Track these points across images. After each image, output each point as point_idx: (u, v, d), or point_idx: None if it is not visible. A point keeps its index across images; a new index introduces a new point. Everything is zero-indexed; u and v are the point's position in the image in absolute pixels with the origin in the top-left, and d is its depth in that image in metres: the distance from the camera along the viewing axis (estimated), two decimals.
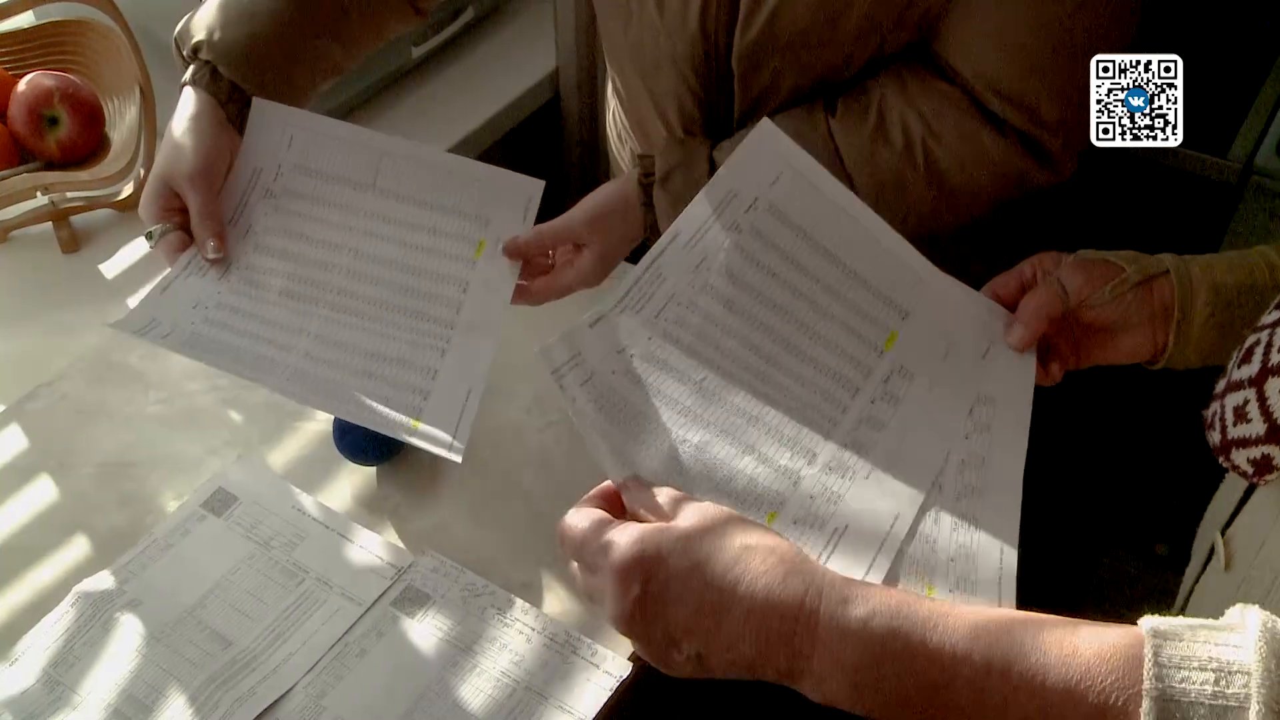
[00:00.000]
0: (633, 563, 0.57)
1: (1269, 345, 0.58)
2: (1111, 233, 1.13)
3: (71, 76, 1.19)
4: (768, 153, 0.78)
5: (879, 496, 0.70)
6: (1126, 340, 0.76)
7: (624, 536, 0.58)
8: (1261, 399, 0.57)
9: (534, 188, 0.89)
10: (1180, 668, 0.48)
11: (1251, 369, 0.58)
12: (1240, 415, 0.59)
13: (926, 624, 0.53)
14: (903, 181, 0.90)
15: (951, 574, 0.67)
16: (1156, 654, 0.48)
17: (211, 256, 0.85)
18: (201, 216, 0.85)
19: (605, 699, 0.77)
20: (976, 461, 0.73)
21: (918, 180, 0.90)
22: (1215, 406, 0.61)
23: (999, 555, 0.69)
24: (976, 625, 0.53)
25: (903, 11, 0.86)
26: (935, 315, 0.77)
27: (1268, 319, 0.60)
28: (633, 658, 0.80)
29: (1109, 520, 1.74)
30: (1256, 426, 0.57)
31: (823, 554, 0.68)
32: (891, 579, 0.67)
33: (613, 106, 1.16)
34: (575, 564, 0.61)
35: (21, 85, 1.16)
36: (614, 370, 0.72)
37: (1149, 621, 0.50)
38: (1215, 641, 0.48)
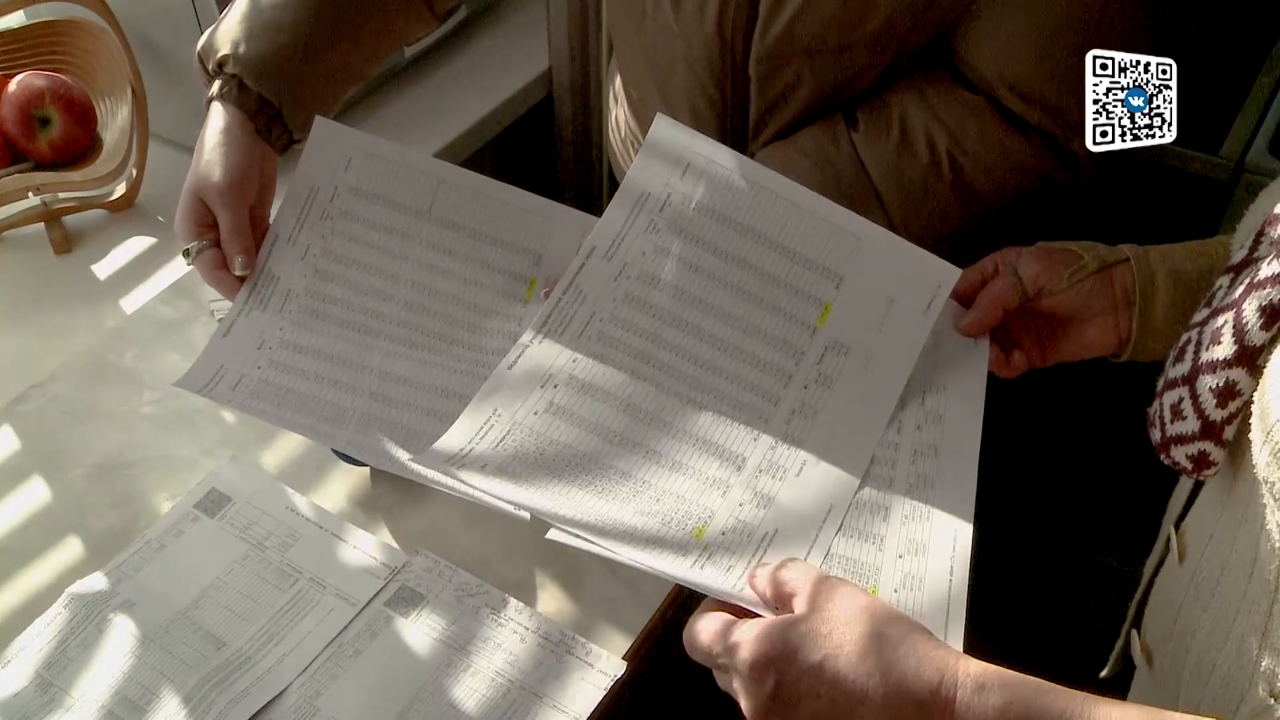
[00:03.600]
0: (763, 660, 0.57)
1: (1198, 343, 0.58)
2: (1104, 230, 1.13)
3: (63, 76, 1.18)
4: (668, 146, 0.77)
5: (811, 492, 0.70)
6: (1090, 330, 0.76)
7: (749, 635, 0.58)
8: (1194, 396, 0.58)
9: (587, 225, 0.88)
10: None
11: (1184, 367, 0.59)
12: (1176, 413, 0.59)
13: (1063, 715, 0.53)
14: (930, 193, 0.90)
15: (899, 571, 0.67)
16: None
17: (239, 272, 0.85)
18: (232, 233, 0.85)
19: (600, 698, 0.77)
20: (929, 451, 0.72)
21: (944, 190, 0.90)
22: (1155, 404, 0.62)
23: (952, 544, 0.68)
24: (1112, 718, 0.53)
25: (922, 14, 0.86)
26: (872, 273, 0.75)
27: (1198, 317, 0.61)
28: (627, 656, 0.80)
29: (1108, 519, 1.75)
30: (1191, 423, 0.58)
31: (752, 560, 0.67)
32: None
33: (616, 110, 1.15)
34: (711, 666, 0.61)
35: (13, 85, 1.16)
36: (534, 410, 0.71)
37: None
38: None
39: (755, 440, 0.71)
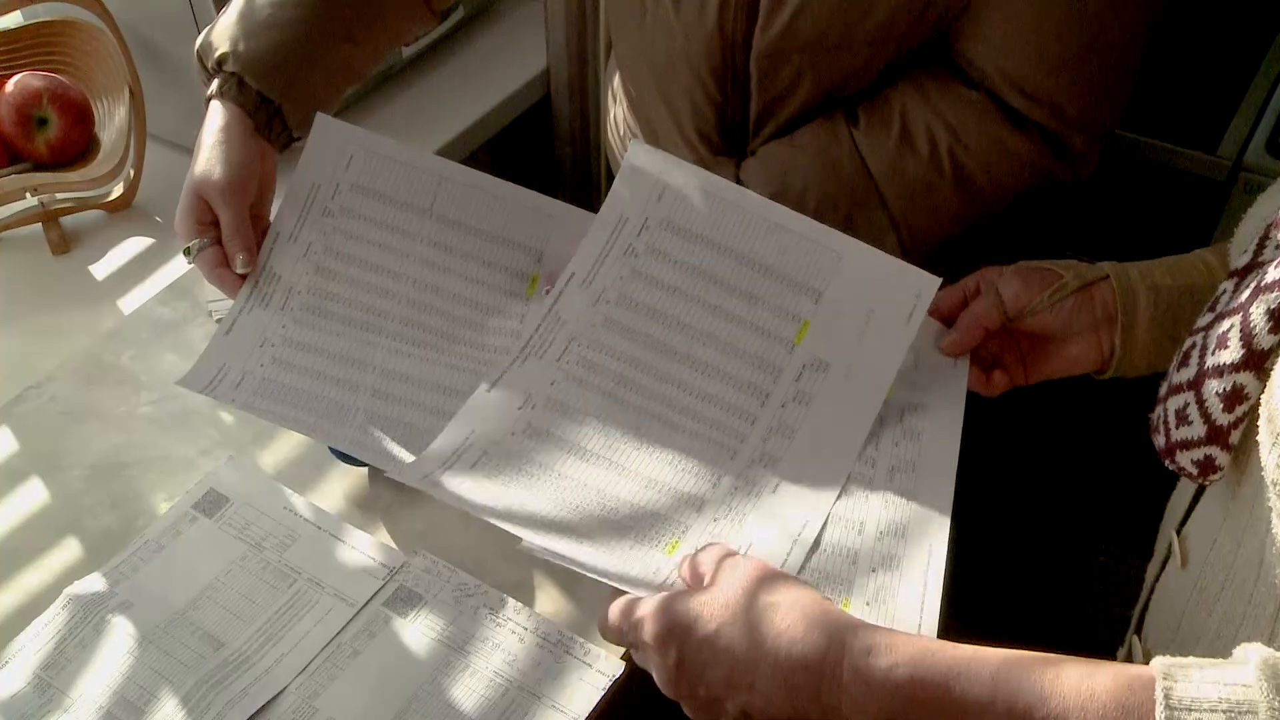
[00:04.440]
0: (664, 632, 0.59)
1: (1204, 348, 0.59)
2: (1101, 230, 1.14)
3: (60, 77, 1.18)
4: (645, 171, 0.78)
5: (786, 508, 0.70)
6: (1072, 348, 0.77)
7: (650, 610, 0.60)
8: (1200, 401, 0.58)
9: (590, 221, 0.88)
10: (1191, 709, 0.49)
11: (1189, 372, 0.59)
12: (1181, 418, 0.59)
13: (950, 673, 0.54)
14: (931, 189, 0.90)
15: (871, 584, 0.67)
16: (1168, 696, 0.49)
17: (241, 270, 0.85)
18: (233, 231, 0.84)
19: (598, 698, 0.77)
20: (907, 468, 0.73)
21: (945, 186, 0.90)
22: (1159, 410, 0.62)
23: (926, 559, 0.68)
24: (998, 672, 0.54)
25: (922, 11, 0.86)
26: (851, 286, 0.76)
27: (1202, 321, 0.61)
28: (625, 656, 0.80)
29: (1108, 520, 1.75)
30: (1197, 428, 0.58)
31: None
32: None
33: (614, 108, 1.15)
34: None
35: (10, 86, 1.16)
36: (511, 432, 0.72)
37: (1161, 662, 0.51)
38: (1224, 681, 0.49)
39: (732, 459, 0.72)
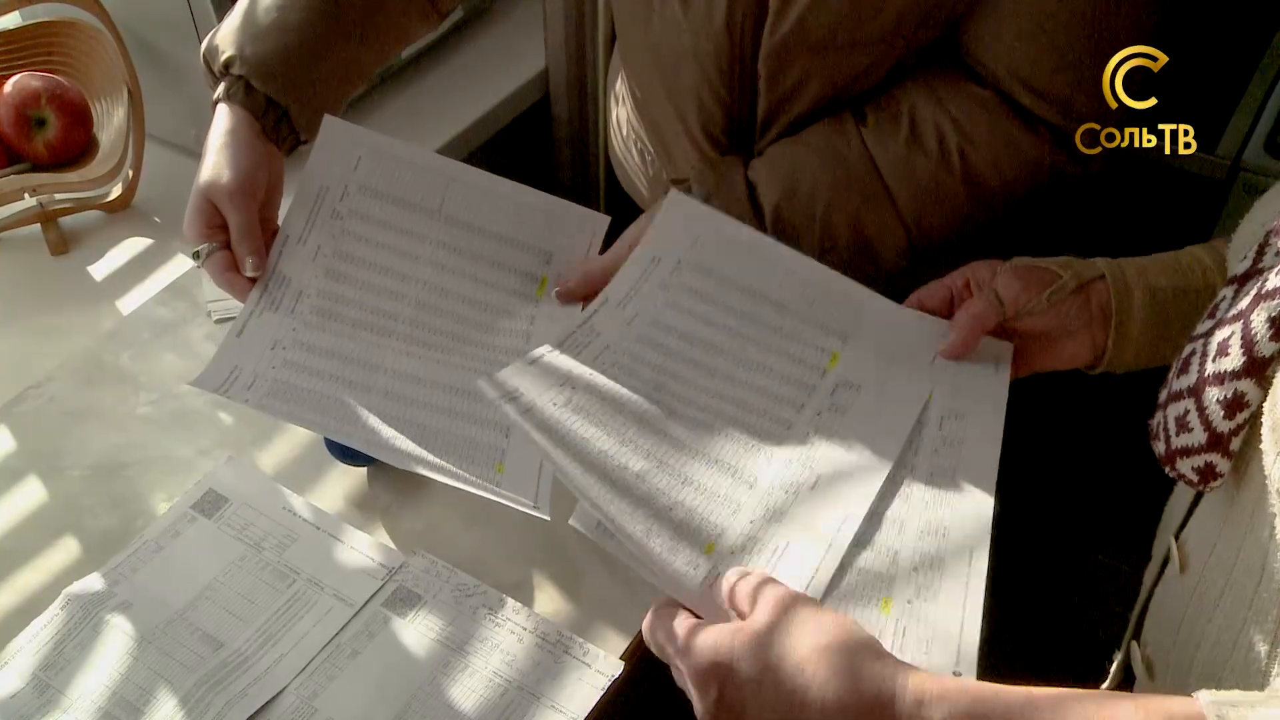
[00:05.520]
0: (708, 669, 0.58)
1: (1204, 355, 0.59)
2: (1100, 229, 1.14)
3: (58, 77, 1.18)
4: (681, 219, 0.81)
5: (824, 507, 0.70)
6: (1067, 346, 0.77)
7: (698, 641, 0.59)
8: (1200, 408, 0.58)
9: (598, 223, 0.89)
10: None
11: (1189, 379, 0.59)
12: (1182, 425, 0.59)
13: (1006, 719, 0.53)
14: (941, 188, 0.90)
15: (913, 583, 0.67)
16: None
17: (251, 274, 0.84)
18: (241, 234, 0.84)
19: (597, 698, 0.77)
20: (947, 474, 0.73)
21: (955, 185, 0.90)
22: (1159, 416, 0.62)
23: (968, 560, 0.68)
24: (1054, 717, 0.53)
25: (931, 9, 0.86)
26: (876, 336, 0.78)
27: (1202, 328, 0.61)
28: (624, 656, 0.80)
29: (1105, 521, 1.75)
30: (1198, 435, 0.58)
31: (767, 571, 0.67)
32: (843, 591, 0.66)
33: (616, 109, 1.15)
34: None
35: (8, 86, 1.16)
36: (554, 403, 0.72)
37: (1209, 698, 0.51)
38: None
39: (769, 461, 0.72)
